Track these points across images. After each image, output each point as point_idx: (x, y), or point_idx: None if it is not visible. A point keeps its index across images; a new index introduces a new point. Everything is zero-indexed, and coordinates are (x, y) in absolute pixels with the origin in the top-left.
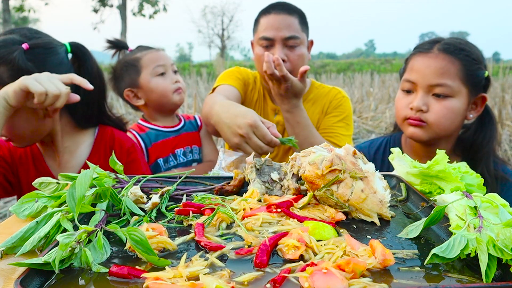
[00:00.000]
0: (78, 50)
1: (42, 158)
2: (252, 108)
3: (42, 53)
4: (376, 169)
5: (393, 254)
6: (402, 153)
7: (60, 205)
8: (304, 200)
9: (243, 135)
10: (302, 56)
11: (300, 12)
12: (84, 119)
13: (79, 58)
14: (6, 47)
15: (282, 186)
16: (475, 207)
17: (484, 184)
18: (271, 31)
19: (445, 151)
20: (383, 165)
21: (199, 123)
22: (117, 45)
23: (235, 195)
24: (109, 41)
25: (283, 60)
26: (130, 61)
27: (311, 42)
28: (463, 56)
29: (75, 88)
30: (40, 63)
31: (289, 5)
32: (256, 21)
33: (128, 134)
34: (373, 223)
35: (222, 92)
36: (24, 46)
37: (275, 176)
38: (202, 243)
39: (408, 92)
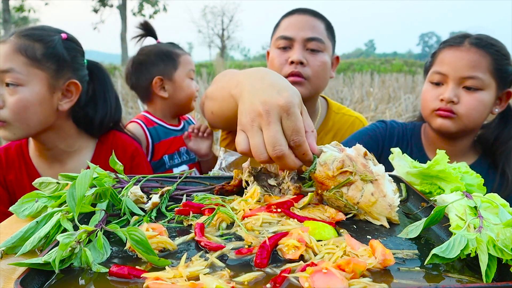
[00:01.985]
0: (95, 67)
1: (38, 173)
2: None
3: (74, 48)
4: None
5: (393, 254)
6: (421, 144)
7: (60, 205)
8: (305, 200)
9: (261, 115)
10: (324, 64)
11: (327, 21)
12: (91, 129)
13: (95, 75)
14: (47, 31)
15: (280, 190)
16: (475, 207)
17: (503, 181)
18: (291, 30)
19: (464, 146)
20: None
21: (195, 123)
22: (148, 30)
23: (235, 195)
24: (141, 24)
25: (302, 63)
26: (168, 53)
27: (337, 59)
28: (493, 51)
29: (89, 100)
30: (72, 56)
31: (315, 11)
32: (276, 26)
33: (134, 125)
34: (373, 223)
35: None
36: (63, 35)
37: (272, 182)
38: (202, 243)
39: (437, 84)
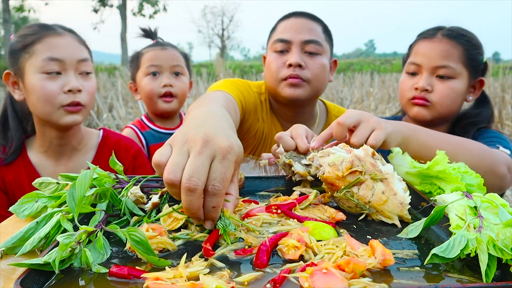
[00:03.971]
0: None
1: (36, 172)
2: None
3: None
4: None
5: (393, 254)
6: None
7: (60, 205)
8: (310, 199)
9: (197, 142)
10: (323, 67)
11: (324, 24)
12: None
13: None
14: None
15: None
16: (475, 207)
17: None
18: (289, 33)
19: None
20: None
21: None
22: (147, 34)
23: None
24: (142, 29)
25: (300, 66)
26: (135, 55)
27: (335, 62)
28: (464, 41)
29: None
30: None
31: (312, 14)
32: (272, 29)
33: (128, 130)
34: (372, 223)
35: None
36: None
37: (305, 161)
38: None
39: (413, 74)
